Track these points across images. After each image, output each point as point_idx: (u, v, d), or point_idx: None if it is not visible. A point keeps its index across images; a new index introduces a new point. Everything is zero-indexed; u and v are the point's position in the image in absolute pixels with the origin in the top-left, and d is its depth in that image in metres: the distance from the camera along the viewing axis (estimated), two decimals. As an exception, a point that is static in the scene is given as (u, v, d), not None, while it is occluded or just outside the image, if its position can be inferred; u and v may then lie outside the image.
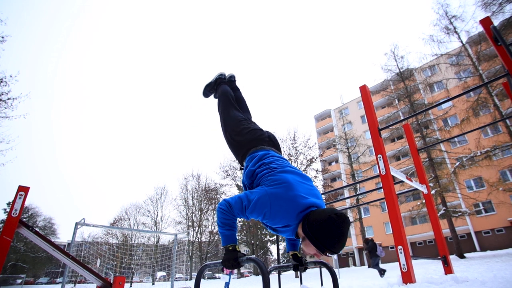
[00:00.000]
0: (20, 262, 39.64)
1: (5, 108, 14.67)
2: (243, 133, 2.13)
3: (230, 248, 1.54)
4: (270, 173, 1.69)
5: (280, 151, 2.15)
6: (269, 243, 33.59)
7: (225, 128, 2.29)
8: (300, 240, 1.55)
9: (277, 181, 1.59)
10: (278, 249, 6.61)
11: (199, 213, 37.71)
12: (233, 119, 2.28)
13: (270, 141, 2.13)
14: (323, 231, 1.35)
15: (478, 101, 16.33)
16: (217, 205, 1.65)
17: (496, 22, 12.86)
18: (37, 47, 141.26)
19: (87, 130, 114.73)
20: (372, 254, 11.39)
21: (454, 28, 17.25)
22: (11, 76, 14.85)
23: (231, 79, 2.86)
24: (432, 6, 18.07)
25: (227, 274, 13.63)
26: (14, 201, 3.53)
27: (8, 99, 14.75)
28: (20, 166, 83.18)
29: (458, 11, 17.32)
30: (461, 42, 17.20)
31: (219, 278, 44.88)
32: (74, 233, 7.98)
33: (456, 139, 28.99)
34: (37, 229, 3.92)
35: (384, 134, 27.41)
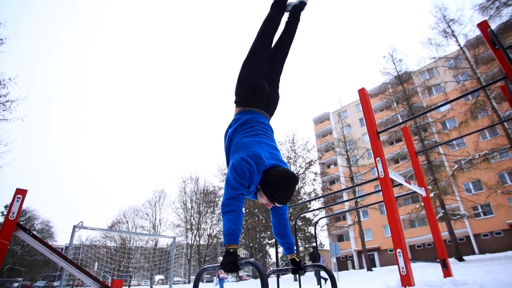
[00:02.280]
0: (17, 265, 39.32)
1: (3, 110, 14.64)
2: (247, 83, 2.16)
3: (231, 250, 1.53)
4: (241, 140, 1.90)
5: (271, 113, 2.28)
6: (268, 246, 33.48)
7: (243, 64, 2.25)
8: (256, 191, 1.83)
9: (244, 147, 1.82)
10: (277, 252, 6.60)
11: (198, 216, 37.59)
12: (253, 61, 2.22)
13: (267, 102, 2.20)
14: (275, 184, 1.65)
15: (476, 104, 16.39)
16: (221, 207, 1.71)
17: (493, 25, 12.93)
18: (36, 48, 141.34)
19: (86, 132, 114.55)
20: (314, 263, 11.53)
21: (452, 31, 17.34)
22: (10, 79, 14.84)
23: (300, 6, 2.55)
24: (430, 9, 18.20)
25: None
26: (11, 204, 3.51)
27: (7, 101, 14.73)
28: (18, 168, 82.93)
29: (456, 14, 17.40)
30: (459, 45, 17.28)
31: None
32: (72, 236, 7.95)
33: (454, 142, 29.06)
34: (34, 232, 3.89)
35: (383, 137, 27.44)
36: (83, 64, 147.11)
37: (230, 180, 1.70)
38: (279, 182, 1.65)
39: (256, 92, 2.14)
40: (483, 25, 3.46)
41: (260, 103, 2.17)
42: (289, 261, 2.05)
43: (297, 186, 1.72)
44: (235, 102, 2.24)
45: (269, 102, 2.22)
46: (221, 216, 1.74)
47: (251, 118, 2.06)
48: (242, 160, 1.69)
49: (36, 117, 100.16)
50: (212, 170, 79.21)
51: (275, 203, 1.70)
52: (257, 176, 1.72)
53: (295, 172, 25.99)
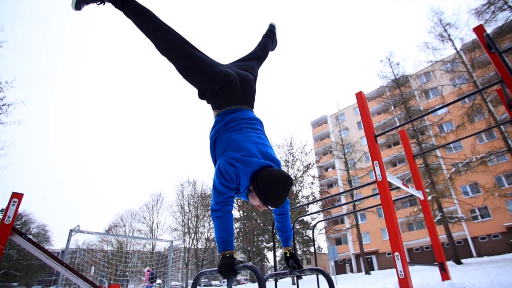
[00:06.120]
0: (12, 270, 38.97)
1: (0, 114, 14.60)
2: (214, 90, 1.88)
3: (227, 255, 1.52)
4: (229, 138, 1.78)
5: (252, 102, 2.05)
6: (265, 250, 33.38)
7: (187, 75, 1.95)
8: (248, 192, 1.73)
9: (232, 146, 1.71)
10: (274, 256, 6.58)
11: (195, 219, 37.47)
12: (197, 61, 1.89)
13: (242, 92, 1.96)
14: (268, 186, 1.56)
15: (473, 107, 16.50)
16: (210, 213, 1.67)
17: (489, 29, 13.07)
18: (35, 50, 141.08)
19: (82, 135, 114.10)
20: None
21: (449, 35, 17.50)
22: (6, 82, 14.82)
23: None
24: (426, 14, 18.35)
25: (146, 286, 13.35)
26: (7, 208, 3.48)
27: (3, 105, 14.70)
28: (14, 171, 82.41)
29: (452, 19, 17.57)
30: (456, 49, 17.44)
31: (215, 285, 44.47)
32: (68, 240, 7.88)
33: (451, 145, 29.20)
34: (30, 236, 3.86)
35: (380, 140, 27.53)
36: (81, 67, 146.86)
37: (216, 185, 1.64)
38: (273, 184, 1.56)
39: (228, 87, 1.89)
40: (479, 29, 3.48)
41: (237, 97, 1.94)
42: (287, 252, 2.04)
43: (291, 188, 1.65)
44: (209, 103, 2.03)
45: (245, 89, 1.98)
46: None
47: (234, 117, 1.87)
48: (227, 163, 1.61)
49: (33, 120, 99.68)
50: (210, 173, 79.09)
51: (268, 206, 1.62)
52: (245, 178, 1.63)
53: (292, 176, 25.79)
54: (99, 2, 1.87)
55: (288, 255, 2.03)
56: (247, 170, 1.62)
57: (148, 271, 13.96)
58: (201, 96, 1.96)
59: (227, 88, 1.87)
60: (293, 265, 2.01)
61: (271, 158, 1.75)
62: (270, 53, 2.52)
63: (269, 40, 2.49)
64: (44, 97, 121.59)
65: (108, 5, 1.89)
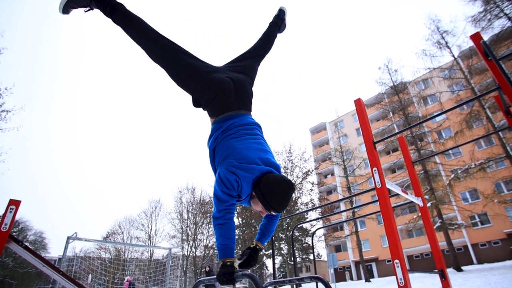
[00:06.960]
0: (8, 278, 38.51)
1: (-1, 120, 14.61)
2: (208, 98, 1.86)
3: (228, 263, 1.52)
4: (229, 145, 1.75)
5: (249, 106, 2.00)
6: (264, 258, 33.13)
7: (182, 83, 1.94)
8: (250, 198, 1.72)
9: (232, 154, 1.69)
10: (273, 264, 6.53)
11: (194, 226, 37.24)
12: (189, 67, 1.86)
13: (237, 96, 1.90)
14: (271, 192, 1.56)
15: (471, 114, 16.60)
16: (212, 220, 1.67)
17: (486, 37, 13.24)
18: (35, 51, 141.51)
19: (80, 141, 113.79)
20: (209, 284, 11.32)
21: (446, 42, 17.70)
22: (6, 89, 14.86)
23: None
24: (424, 21, 18.58)
25: None
26: (4, 215, 3.45)
27: (2, 111, 14.71)
28: (11, 177, 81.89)
29: (449, 26, 17.76)
30: (453, 56, 17.61)
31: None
32: (66, 248, 7.81)
33: (450, 151, 29.24)
34: (27, 244, 3.83)
35: (379, 147, 27.47)
36: (80, 70, 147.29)
37: (218, 193, 1.63)
38: (275, 190, 1.56)
39: (222, 95, 1.85)
40: (476, 37, 3.51)
41: (233, 103, 1.89)
42: (254, 244, 1.95)
43: (293, 194, 1.64)
44: (205, 110, 2.00)
45: (240, 93, 1.92)
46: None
47: (231, 124, 1.83)
48: (227, 171, 1.60)
49: (32, 123, 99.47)
50: (209, 180, 78.67)
51: (271, 212, 1.61)
52: (247, 185, 1.63)
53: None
54: (87, 9, 1.83)
55: (251, 246, 1.93)
56: (248, 177, 1.62)
57: (127, 281, 13.94)
58: (196, 104, 1.95)
59: (222, 96, 1.84)
60: (245, 254, 1.92)
61: (271, 163, 1.73)
62: (275, 41, 2.41)
63: (275, 30, 2.36)
64: (43, 102, 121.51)
65: (97, 11, 1.85)
